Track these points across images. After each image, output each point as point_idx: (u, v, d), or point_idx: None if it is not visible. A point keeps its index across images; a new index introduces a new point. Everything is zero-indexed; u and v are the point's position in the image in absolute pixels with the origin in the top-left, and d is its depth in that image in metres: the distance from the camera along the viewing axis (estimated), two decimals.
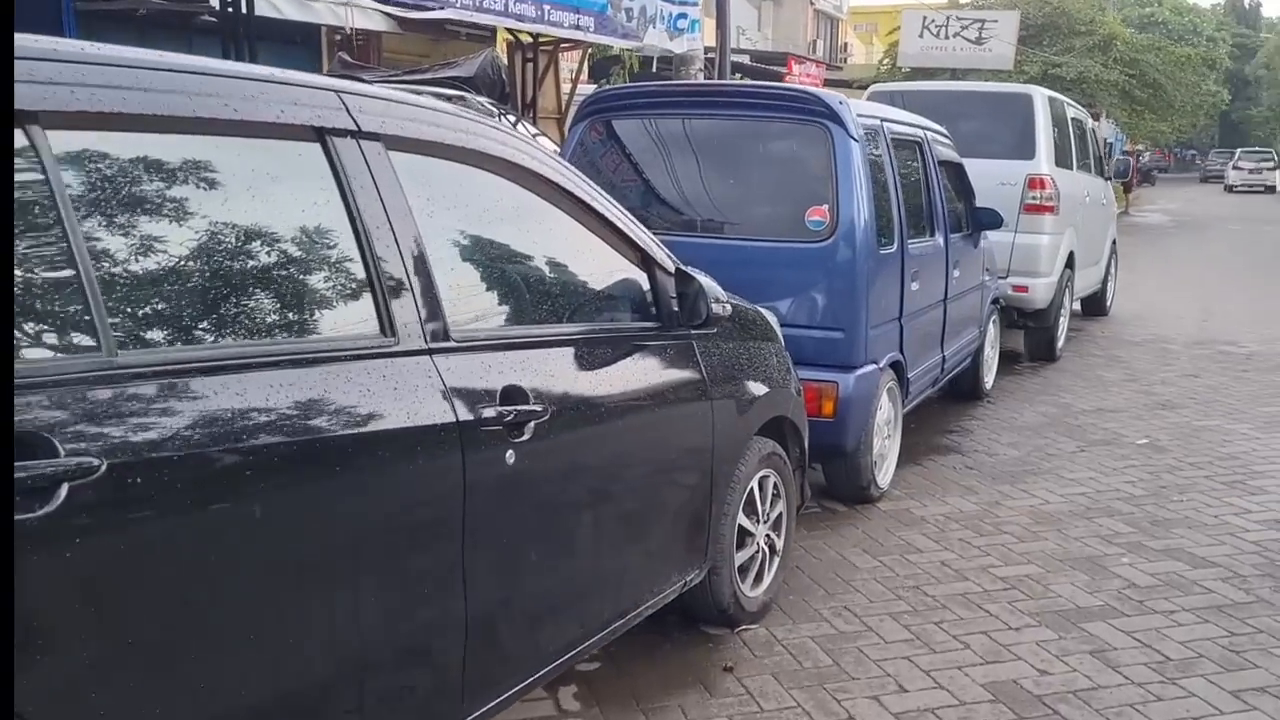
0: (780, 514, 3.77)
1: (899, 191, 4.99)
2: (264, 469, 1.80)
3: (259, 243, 1.97)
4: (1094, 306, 10.61)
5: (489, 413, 2.30)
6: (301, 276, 2.05)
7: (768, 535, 3.69)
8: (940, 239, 5.64)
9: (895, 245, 4.90)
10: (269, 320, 1.98)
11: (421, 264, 2.24)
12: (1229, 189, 41.83)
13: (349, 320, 2.12)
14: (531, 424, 2.42)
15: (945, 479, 5.35)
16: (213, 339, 1.86)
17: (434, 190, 2.41)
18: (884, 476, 5.03)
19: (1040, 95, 8.23)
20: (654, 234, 3.18)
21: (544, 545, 2.55)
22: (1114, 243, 10.81)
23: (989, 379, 7.20)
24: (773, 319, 3.97)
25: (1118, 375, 8.04)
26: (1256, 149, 46.47)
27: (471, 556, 2.27)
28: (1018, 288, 7.80)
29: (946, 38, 21.16)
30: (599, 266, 2.99)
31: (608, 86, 6.88)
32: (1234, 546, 4.44)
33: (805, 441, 3.94)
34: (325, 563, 1.95)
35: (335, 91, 2.20)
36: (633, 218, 3.04)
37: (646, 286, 3.06)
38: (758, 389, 3.53)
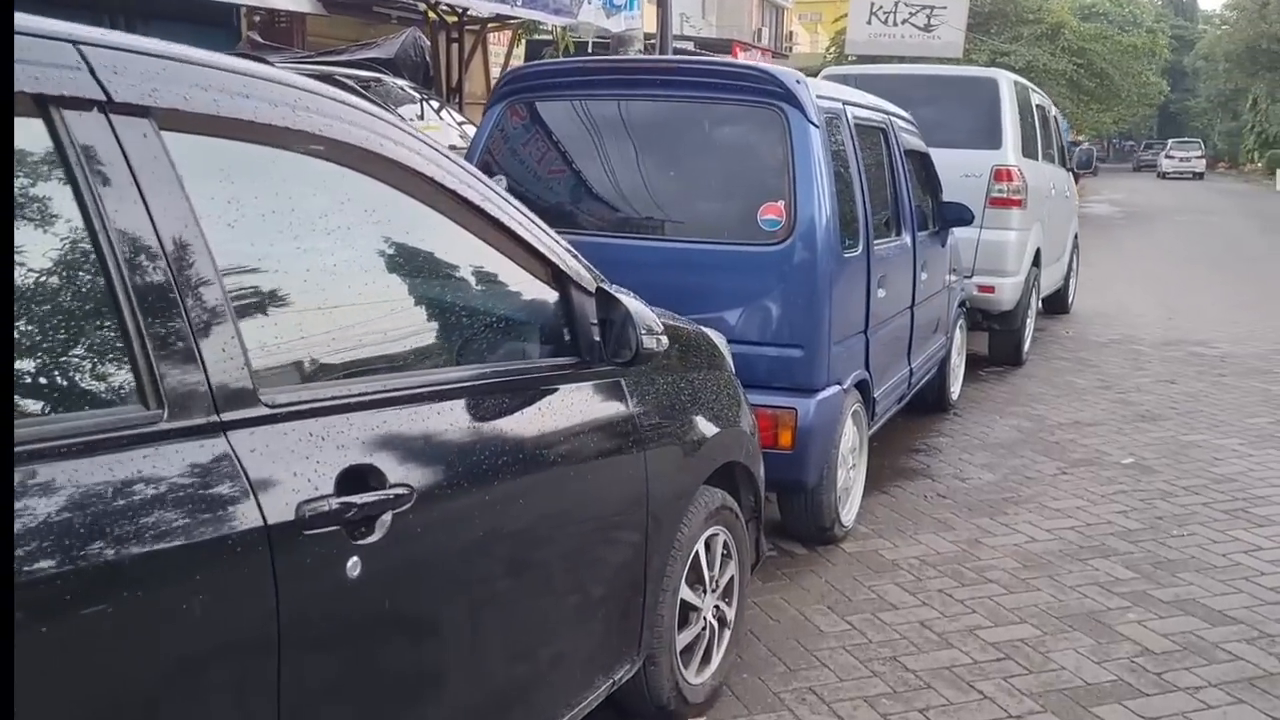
0: (731, 578, 3.10)
1: (864, 185, 4.34)
2: None
3: None
4: (1056, 304, 10.06)
5: (319, 508, 1.61)
6: None
7: (716, 606, 3.02)
8: (908, 238, 5.00)
9: (860, 247, 4.24)
10: None
11: (210, 296, 1.53)
12: (1162, 175, 46.46)
13: (84, 391, 1.41)
14: (388, 516, 1.73)
15: (916, 510, 4.72)
16: None
17: (239, 188, 1.69)
18: (848, 513, 4.38)
19: (1006, 80, 7.62)
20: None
21: (409, 675, 1.85)
22: (1076, 237, 10.32)
23: (955, 389, 6.59)
24: (720, 340, 3.30)
25: (1090, 382, 7.48)
26: (1186, 139, 52.27)
27: (291, 706, 1.58)
28: (983, 288, 7.18)
29: (895, 24, 20.64)
30: (494, 288, 2.30)
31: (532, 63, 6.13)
32: (1251, 595, 3.85)
33: (761, 487, 3.27)
34: None
35: (73, 43, 1.48)
36: (542, 223, 2.34)
37: (559, 311, 2.36)
38: (704, 430, 2.85)
